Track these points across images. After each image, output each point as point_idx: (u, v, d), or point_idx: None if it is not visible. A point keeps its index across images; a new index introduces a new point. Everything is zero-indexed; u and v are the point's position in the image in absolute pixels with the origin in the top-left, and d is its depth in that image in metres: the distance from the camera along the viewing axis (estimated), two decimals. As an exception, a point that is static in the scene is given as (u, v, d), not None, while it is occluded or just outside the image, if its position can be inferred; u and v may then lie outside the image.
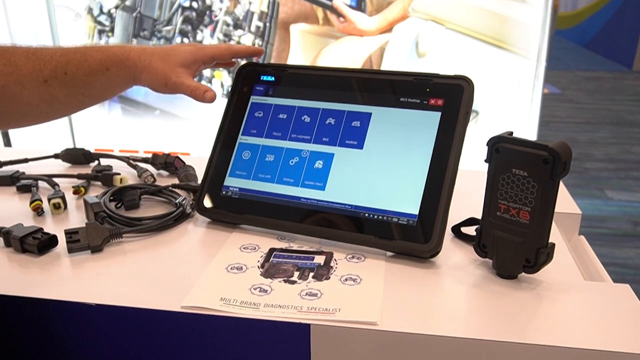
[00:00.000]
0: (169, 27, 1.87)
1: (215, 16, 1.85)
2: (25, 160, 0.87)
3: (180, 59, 0.69)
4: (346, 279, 0.55)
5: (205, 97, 0.68)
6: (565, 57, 6.12)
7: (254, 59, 0.88)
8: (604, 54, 6.24)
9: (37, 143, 2.01)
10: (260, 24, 1.83)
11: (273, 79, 0.70)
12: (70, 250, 0.60)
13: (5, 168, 0.84)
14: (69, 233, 0.60)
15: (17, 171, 0.81)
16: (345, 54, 1.81)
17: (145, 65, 0.68)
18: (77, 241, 0.60)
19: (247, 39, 1.85)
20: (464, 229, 0.64)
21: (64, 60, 0.64)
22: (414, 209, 0.59)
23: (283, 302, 0.51)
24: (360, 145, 0.64)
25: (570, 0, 7.20)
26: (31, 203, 0.71)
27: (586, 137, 3.54)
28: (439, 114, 0.61)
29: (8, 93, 0.62)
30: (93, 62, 0.66)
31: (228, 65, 0.79)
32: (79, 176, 0.80)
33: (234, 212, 0.66)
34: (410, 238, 0.58)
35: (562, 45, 6.68)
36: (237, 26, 1.84)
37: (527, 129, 1.78)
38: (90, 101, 0.68)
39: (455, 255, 0.61)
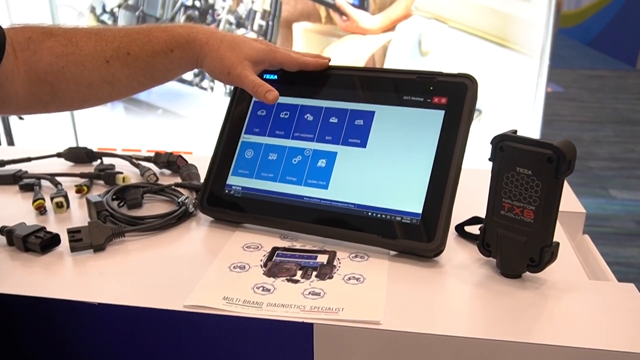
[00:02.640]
0: (171, 26, 1.86)
1: (218, 15, 1.84)
2: (28, 159, 0.86)
3: (250, 54, 0.67)
4: (349, 278, 0.55)
5: (268, 96, 0.65)
6: (568, 56, 6.10)
7: None
8: (607, 53, 6.22)
9: (40, 142, 2.01)
10: (263, 23, 1.82)
11: (276, 77, 0.70)
12: (73, 249, 0.60)
13: (8, 167, 0.84)
14: (71, 232, 0.60)
15: (20, 170, 0.81)
16: (348, 53, 1.81)
17: (212, 49, 0.66)
18: (79, 240, 0.60)
19: (249, 38, 1.84)
20: (468, 228, 0.64)
21: (127, 40, 0.63)
22: (418, 208, 0.59)
23: (286, 302, 0.51)
24: (363, 144, 0.64)
25: (573, -2, 7.18)
26: (34, 202, 0.71)
27: (589, 135, 3.53)
28: (443, 112, 0.61)
29: (68, 74, 0.61)
30: (157, 42, 0.64)
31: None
32: (81, 175, 0.80)
33: (236, 211, 0.66)
34: (413, 237, 0.58)
35: (565, 44, 6.65)
36: (239, 25, 1.84)
37: (530, 128, 1.77)
38: (152, 83, 0.67)
39: (458, 255, 0.60)
